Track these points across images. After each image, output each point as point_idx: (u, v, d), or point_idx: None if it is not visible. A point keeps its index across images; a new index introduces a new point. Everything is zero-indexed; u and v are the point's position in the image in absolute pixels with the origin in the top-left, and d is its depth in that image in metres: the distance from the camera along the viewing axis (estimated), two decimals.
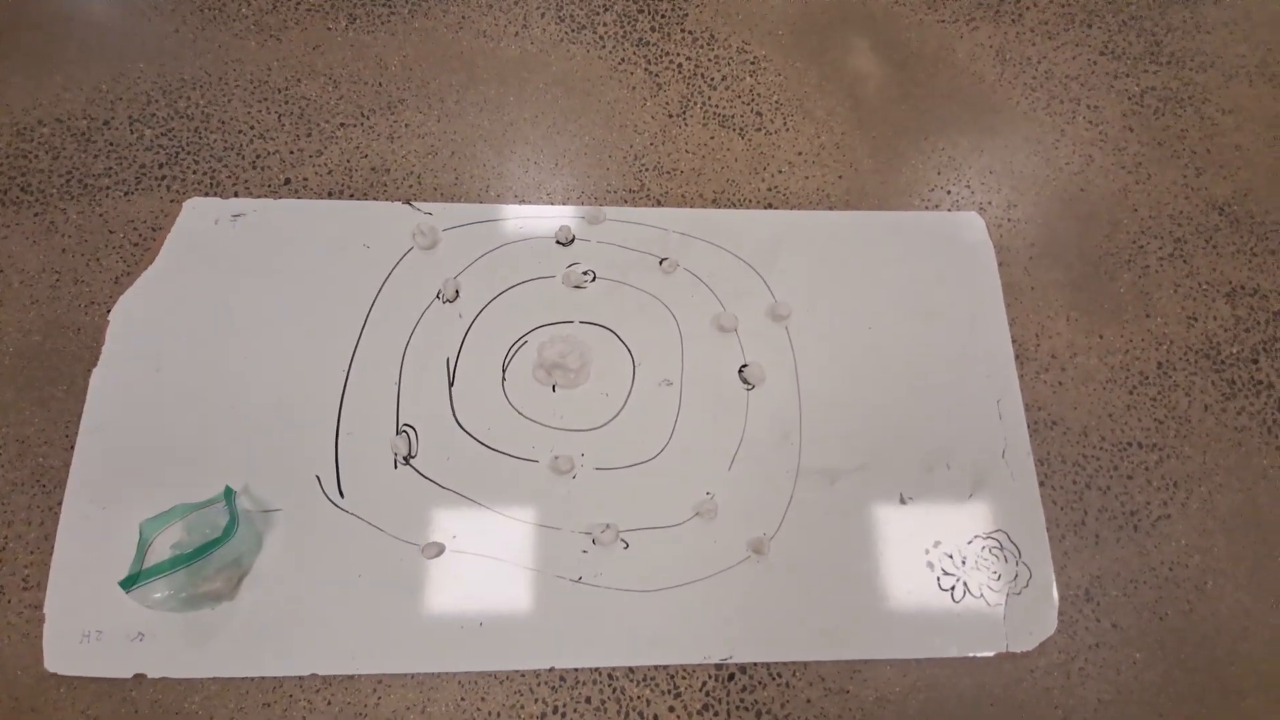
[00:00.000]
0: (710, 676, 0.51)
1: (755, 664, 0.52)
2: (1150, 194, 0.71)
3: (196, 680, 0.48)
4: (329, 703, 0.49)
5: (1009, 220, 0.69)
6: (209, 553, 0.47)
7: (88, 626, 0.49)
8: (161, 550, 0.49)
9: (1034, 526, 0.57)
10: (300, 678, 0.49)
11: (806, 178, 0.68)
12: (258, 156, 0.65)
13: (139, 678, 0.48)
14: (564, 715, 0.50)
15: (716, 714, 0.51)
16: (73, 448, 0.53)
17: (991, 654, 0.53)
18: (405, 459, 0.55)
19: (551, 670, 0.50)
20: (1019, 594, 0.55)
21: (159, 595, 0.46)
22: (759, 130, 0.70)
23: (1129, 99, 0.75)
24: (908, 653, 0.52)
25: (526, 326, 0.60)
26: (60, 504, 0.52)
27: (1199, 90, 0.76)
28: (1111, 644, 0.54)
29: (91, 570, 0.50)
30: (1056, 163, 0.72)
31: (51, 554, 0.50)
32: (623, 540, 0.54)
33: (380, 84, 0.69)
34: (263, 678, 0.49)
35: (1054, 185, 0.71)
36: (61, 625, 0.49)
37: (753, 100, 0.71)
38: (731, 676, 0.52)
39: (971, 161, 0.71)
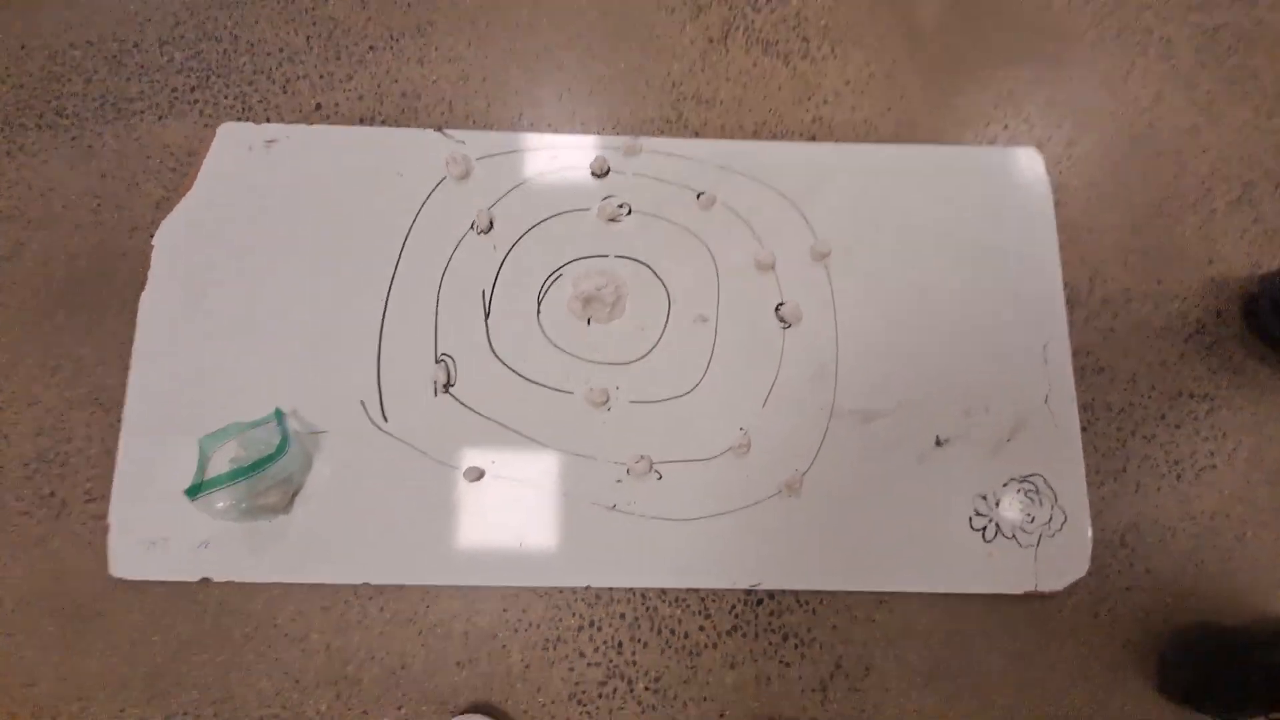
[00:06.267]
0: (740, 600, 0.53)
1: (784, 591, 0.53)
2: (1221, 134, 0.66)
3: (260, 585, 0.52)
4: (381, 609, 0.52)
5: (1069, 157, 0.65)
6: (265, 467, 0.48)
7: (153, 535, 0.51)
8: (220, 465, 0.51)
9: (1073, 471, 0.56)
10: (354, 586, 0.52)
11: (854, 109, 0.65)
12: (288, 81, 0.63)
13: (205, 581, 0.51)
14: (600, 629, 0.52)
15: (744, 635, 0.52)
16: (127, 368, 0.55)
17: (1019, 592, 0.53)
18: (444, 387, 0.55)
19: (588, 588, 0.52)
20: (1052, 536, 0.54)
21: (221, 505, 0.48)
22: (804, 57, 0.66)
23: (1203, 33, 0.69)
24: (935, 587, 0.53)
25: (561, 259, 0.59)
26: (120, 421, 0.54)
27: (1270, 30, 0.69)
28: (1144, 588, 0.54)
29: (154, 483, 0.52)
30: (1125, 98, 0.67)
31: (113, 468, 0.53)
32: (656, 472, 0.54)
33: (409, 4, 0.66)
34: (320, 585, 0.52)
35: (1120, 121, 0.66)
36: (126, 534, 0.52)
37: (799, 25, 0.67)
38: (760, 601, 0.53)
39: (1032, 94, 0.66)
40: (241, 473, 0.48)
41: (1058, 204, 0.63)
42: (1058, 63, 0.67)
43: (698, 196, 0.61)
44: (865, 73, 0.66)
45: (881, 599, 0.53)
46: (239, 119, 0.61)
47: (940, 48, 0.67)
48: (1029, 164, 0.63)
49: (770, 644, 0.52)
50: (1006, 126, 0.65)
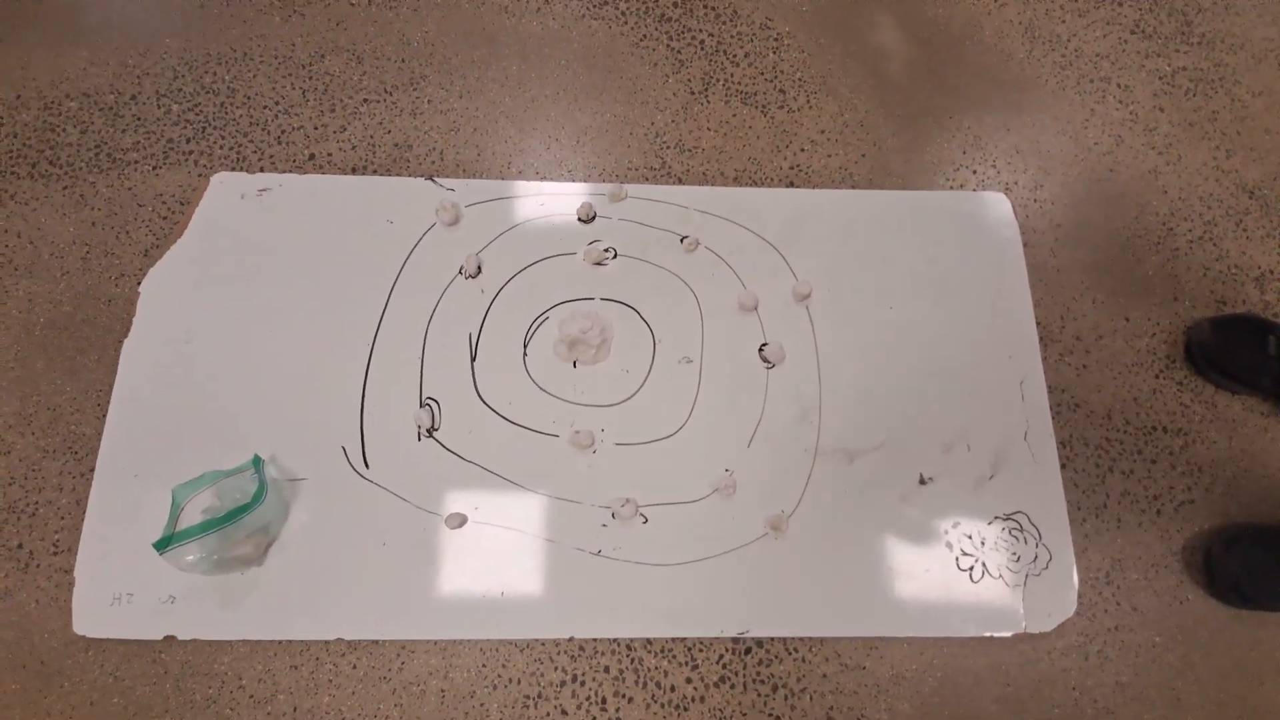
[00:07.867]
0: (727, 650, 0.52)
1: (772, 639, 0.52)
2: (1180, 176, 0.69)
3: (226, 642, 0.50)
4: (354, 666, 0.50)
5: (1035, 200, 0.68)
6: (239, 517, 0.47)
7: (118, 590, 0.50)
8: (192, 515, 0.50)
9: (1055, 509, 0.56)
10: (326, 642, 0.50)
11: (829, 156, 0.68)
12: (283, 132, 0.65)
13: (169, 639, 0.49)
14: (583, 683, 0.50)
15: (733, 686, 0.51)
16: (104, 416, 0.54)
17: (1009, 634, 0.53)
18: (428, 431, 0.55)
19: (571, 640, 0.51)
20: (1038, 575, 0.54)
21: (191, 558, 0.47)
22: (781, 108, 0.69)
23: (1160, 79, 0.73)
24: (925, 631, 0.52)
25: (548, 303, 0.60)
26: (92, 470, 0.53)
27: (1230, 72, 0.74)
28: (1131, 627, 0.54)
29: (122, 535, 0.51)
30: (1085, 142, 0.70)
31: (82, 520, 0.52)
32: (642, 515, 0.54)
33: (403, 60, 0.69)
34: (290, 641, 0.50)
35: (1082, 165, 0.69)
36: (91, 589, 0.50)
37: (775, 77, 0.71)
38: (748, 650, 0.52)
39: (998, 141, 0.70)
40: (214, 523, 0.47)
41: (1026, 245, 0.65)
42: (1020, 111, 0.71)
43: (681, 240, 0.63)
44: (839, 122, 0.69)
45: (871, 644, 0.52)
46: (233, 169, 0.63)
47: (909, 98, 0.71)
48: (997, 207, 0.66)
49: (760, 695, 0.51)
50: (975, 172, 0.68)
